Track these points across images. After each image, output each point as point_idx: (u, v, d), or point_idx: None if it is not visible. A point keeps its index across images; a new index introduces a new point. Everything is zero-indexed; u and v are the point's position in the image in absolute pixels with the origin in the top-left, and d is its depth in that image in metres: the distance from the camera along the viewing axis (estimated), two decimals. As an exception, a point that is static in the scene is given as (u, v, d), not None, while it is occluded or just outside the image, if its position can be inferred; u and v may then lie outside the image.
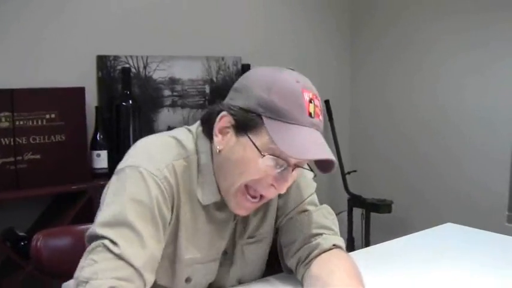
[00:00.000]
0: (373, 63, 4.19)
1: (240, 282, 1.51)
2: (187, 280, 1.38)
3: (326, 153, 1.25)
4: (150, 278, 1.23)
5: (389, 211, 3.68)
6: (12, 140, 2.61)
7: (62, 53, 2.94)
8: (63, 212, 2.77)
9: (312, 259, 1.42)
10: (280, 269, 1.55)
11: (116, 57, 3.08)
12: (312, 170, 1.37)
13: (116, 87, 3.07)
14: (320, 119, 1.28)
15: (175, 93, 3.29)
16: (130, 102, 2.98)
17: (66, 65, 2.95)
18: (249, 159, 1.25)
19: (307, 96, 1.25)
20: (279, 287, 1.49)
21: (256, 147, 1.24)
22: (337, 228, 1.50)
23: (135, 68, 3.13)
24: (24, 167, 2.65)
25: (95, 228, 1.22)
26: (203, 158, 1.33)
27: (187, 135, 1.37)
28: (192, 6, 3.39)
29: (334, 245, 1.44)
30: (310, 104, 1.25)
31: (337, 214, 1.55)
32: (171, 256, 1.34)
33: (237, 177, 1.27)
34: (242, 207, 1.33)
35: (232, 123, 1.28)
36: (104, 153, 2.87)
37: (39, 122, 2.68)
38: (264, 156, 1.23)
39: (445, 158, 3.77)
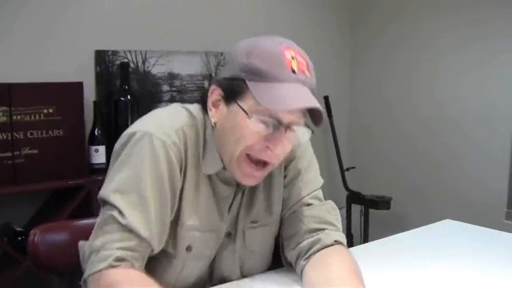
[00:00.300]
0: (372, 60, 4.18)
1: (243, 273, 1.50)
2: (188, 249, 1.38)
3: (309, 102, 1.25)
4: (157, 246, 1.29)
5: (388, 208, 3.68)
6: (9, 134, 2.60)
7: (60, 47, 2.94)
8: (60, 207, 2.76)
9: (312, 254, 1.41)
10: (282, 263, 1.55)
11: (114, 52, 3.07)
12: (309, 127, 1.35)
13: (114, 82, 3.06)
14: (307, 74, 1.29)
15: (174, 89, 3.28)
16: (129, 97, 2.97)
17: (64, 60, 2.94)
18: (240, 125, 1.27)
19: (288, 54, 1.27)
20: (278, 281, 1.48)
21: (244, 111, 1.26)
22: (340, 225, 1.50)
23: (133, 63, 3.12)
24: (21, 162, 2.64)
25: (109, 193, 1.27)
26: (208, 130, 1.37)
27: (196, 107, 1.41)
28: (191, 1, 3.38)
29: (335, 241, 1.43)
30: (293, 61, 1.27)
31: None
32: (174, 220, 1.35)
33: (234, 146, 1.29)
34: (247, 175, 1.33)
35: (222, 95, 1.32)
36: (102, 149, 2.86)
37: (37, 117, 2.67)
38: (251, 117, 1.25)
39: (444, 155, 3.77)
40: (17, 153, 2.63)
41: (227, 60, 1.36)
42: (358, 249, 1.69)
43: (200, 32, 3.39)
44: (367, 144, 4.26)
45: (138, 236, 1.24)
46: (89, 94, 2.96)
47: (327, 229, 1.44)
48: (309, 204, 1.48)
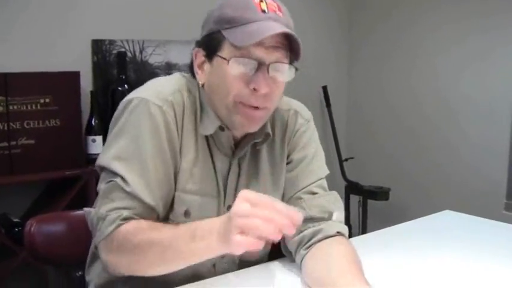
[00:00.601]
0: (370, 50, 4.16)
1: (242, 257, 1.46)
2: (186, 214, 1.38)
3: (280, 29, 1.27)
4: (162, 212, 1.34)
5: (387, 198, 3.68)
6: (6, 124, 2.59)
7: (57, 37, 2.92)
8: (57, 198, 2.75)
9: (313, 243, 1.41)
10: (280, 253, 1.53)
11: (111, 42, 3.05)
12: (293, 66, 1.35)
13: (111, 71, 3.04)
14: (277, 13, 1.32)
15: (171, 78, 3.25)
16: (126, 87, 2.95)
17: (61, 49, 2.92)
18: (224, 75, 1.30)
19: None
20: (277, 271, 1.47)
21: (223, 58, 1.30)
22: (343, 216, 1.49)
23: (131, 53, 3.10)
24: (18, 152, 2.62)
25: (109, 160, 1.31)
26: (203, 94, 1.40)
27: (191, 75, 1.44)
28: (188, -10, 3.35)
29: (338, 232, 1.43)
30: (262, 3, 1.30)
31: None
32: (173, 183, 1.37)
33: (224, 98, 1.32)
34: (247, 118, 1.33)
35: (204, 54, 1.36)
36: (99, 139, 2.84)
37: (34, 107, 2.65)
38: (229, 61, 1.28)
39: (443, 145, 3.76)
40: (13, 143, 2.61)
41: (203, 23, 1.39)
42: (357, 240, 1.67)
43: (198, 21, 3.33)
44: (366, 135, 4.24)
45: (143, 203, 1.28)
46: (86, 84, 2.94)
47: (330, 219, 1.44)
48: (313, 193, 1.48)
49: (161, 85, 1.39)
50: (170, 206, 1.37)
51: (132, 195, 1.28)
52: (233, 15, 1.29)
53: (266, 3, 1.31)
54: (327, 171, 1.56)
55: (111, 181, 1.30)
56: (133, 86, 2.92)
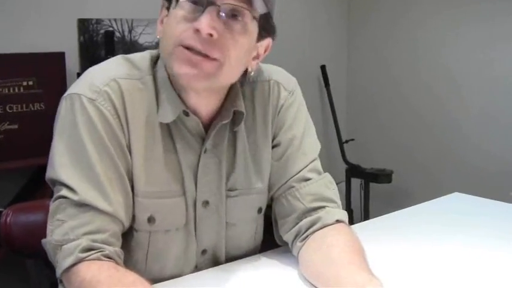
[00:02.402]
0: (371, 24, 4.11)
1: (227, 250, 1.37)
2: (150, 220, 1.24)
3: None
4: (126, 218, 1.19)
5: (389, 181, 3.63)
6: (-13, 109, 2.54)
7: (41, 16, 2.87)
8: (44, 185, 2.64)
9: (311, 233, 1.30)
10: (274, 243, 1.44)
11: (98, 21, 3.01)
12: (242, 7, 1.18)
13: (98, 52, 3.00)
14: None
15: (162, 59, 3.19)
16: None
17: (45, 29, 2.87)
18: (171, 19, 1.19)
19: None
20: (272, 264, 1.37)
21: (169, 1, 1.21)
22: (339, 200, 1.38)
23: (119, 32, 3.05)
24: (0, 138, 2.57)
25: (53, 170, 1.18)
26: (159, 73, 1.24)
27: (143, 56, 1.28)
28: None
29: (337, 220, 1.31)
30: None
31: None
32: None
33: (167, 43, 1.18)
34: (187, 63, 1.15)
35: (166, 6, 1.22)
36: (86, 123, 2.75)
37: (16, 90, 2.61)
38: (176, 2, 1.17)
39: (449, 124, 3.72)
40: (-5, 128, 2.57)
41: None
42: (359, 227, 1.57)
43: (190, -2, 3.28)
44: (367, 115, 4.21)
45: (99, 212, 1.13)
46: (72, 65, 2.89)
47: (328, 206, 1.32)
48: (306, 179, 1.34)
49: (94, 75, 1.22)
50: (131, 210, 1.23)
51: (83, 207, 1.12)
52: None
53: None
54: (318, 147, 1.42)
55: (57, 197, 1.15)
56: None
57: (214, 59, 1.15)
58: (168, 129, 1.23)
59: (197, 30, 1.12)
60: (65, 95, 1.20)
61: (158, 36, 1.22)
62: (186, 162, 1.25)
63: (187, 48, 1.14)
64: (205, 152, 1.26)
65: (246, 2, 1.15)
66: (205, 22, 1.12)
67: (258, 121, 1.34)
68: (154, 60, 1.27)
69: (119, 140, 1.18)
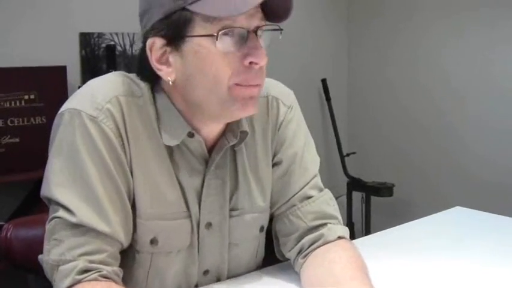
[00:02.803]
0: (371, 40, 4.11)
1: (229, 270, 1.35)
2: (153, 242, 1.20)
3: None
4: (125, 238, 1.14)
5: (391, 194, 3.62)
6: (-12, 122, 2.54)
7: (43, 29, 2.87)
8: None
9: (313, 250, 1.29)
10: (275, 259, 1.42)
11: (100, 35, 3.01)
12: (280, 29, 1.16)
13: (100, 66, 3.00)
14: None
15: (163, 73, 3.19)
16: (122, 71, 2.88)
17: (47, 43, 2.87)
18: (209, 57, 1.08)
19: None
20: (273, 281, 1.36)
21: (206, 36, 1.07)
22: (340, 216, 1.37)
23: (120, 46, 3.06)
24: (1, 151, 2.58)
25: (49, 188, 1.13)
26: (160, 100, 1.18)
27: (137, 76, 1.21)
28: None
29: (339, 236, 1.30)
30: None
31: (336, 198, 1.43)
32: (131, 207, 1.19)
33: (216, 85, 1.10)
34: (248, 98, 1.12)
35: (164, 43, 1.10)
36: (87, 136, 2.76)
37: (18, 104, 2.60)
38: (217, 36, 1.06)
39: (450, 137, 3.70)
40: (-4, 142, 2.56)
41: (144, 7, 1.13)
42: (361, 242, 1.57)
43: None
44: (368, 128, 4.20)
45: (96, 233, 1.08)
46: (74, 79, 2.88)
47: (329, 223, 1.31)
48: (308, 197, 1.33)
49: (96, 90, 1.16)
50: (133, 233, 1.19)
51: (80, 227, 1.08)
52: None
53: None
54: (318, 162, 1.39)
55: (53, 217, 1.11)
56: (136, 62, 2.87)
57: (261, 84, 1.14)
58: (170, 150, 1.19)
59: (250, 64, 1.09)
60: (63, 109, 1.15)
61: (170, 80, 1.12)
62: (189, 184, 1.22)
63: (242, 85, 1.11)
64: (209, 173, 1.23)
65: (263, 18, 1.12)
66: (260, 53, 1.09)
67: (258, 138, 1.31)
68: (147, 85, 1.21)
69: (121, 159, 1.14)
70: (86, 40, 2.96)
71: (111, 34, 3.01)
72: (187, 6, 1.06)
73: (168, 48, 1.10)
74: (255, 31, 1.09)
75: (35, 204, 2.68)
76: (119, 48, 3.01)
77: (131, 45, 3.06)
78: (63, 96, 2.61)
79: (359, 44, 4.19)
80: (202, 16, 1.05)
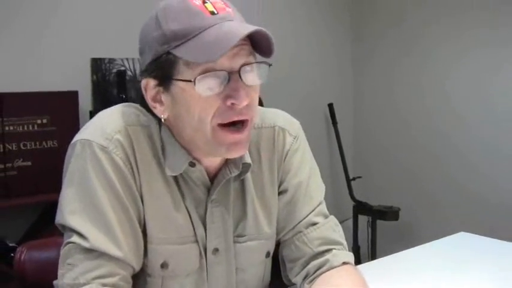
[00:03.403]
0: (376, 63, 4.13)
1: None
2: (164, 265, 1.24)
3: (245, 30, 1.09)
4: (136, 263, 1.18)
5: (397, 218, 3.62)
6: (1, 146, 2.56)
7: (55, 55, 2.90)
8: (54, 222, 2.67)
9: (318, 275, 1.31)
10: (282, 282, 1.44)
11: (111, 60, 3.02)
12: (268, 64, 1.18)
13: (110, 91, 3.01)
14: (227, 10, 1.14)
15: (171, 98, 3.21)
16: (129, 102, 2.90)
17: (59, 68, 2.90)
18: (192, 99, 1.12)
19: (197, 1, 1.13)
20: None
21: (185, 80, 1.11)
22: (345, 241, 1.39)
23: (131, 71, 3.06)
24: (14, 174, 2.60)
25: (63, 215, 1.17)
26: (163, 129, 1.22)
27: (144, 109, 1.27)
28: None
29: (343, 262, 1.33)
30: (206, 4, 1.13)
31: (342, 222, 1.45)
32: (142, 232, 1.22)
33: (200, 125, 1.14)
34: (231, 144, 1.16)
35: (156, 83, 1.15)
36: (98, 160, 2.78)
37: (30, 128, 2.64)
38: (196, 82, 1.10)
39: (456, 162, 3.70)
40: (9, 165, 2.59)
41: (141, 50, 1.20)
42: (366, 267, 1.59)
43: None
44: (374, 153, 4.21)
45: (109, 257, 1.12)
46: (85, 103, 2.91)
47: (334, 249, 1.34)
48: (313, 224, 1.36)
49: (105, 121, 1.21)
50: (144, 257, 1.23)
51: (93, 252, 1.12)
52: (179, 28, 1.11)
53: (210, 2, 1.13)
54: (324, 190, 1.42)
55: (67, 243, 1.15)
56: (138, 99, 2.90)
57: (247, 120, 1.16)
58: (175, 178, 1.23)
59: (233, 104, 1.12)
60: (75, 140, 1.19)
61: (163, 117, 1.18)
62: (194, 211, 1.26)
63: (227, 125, 1.14)
64: (211, 201, 1.27)
65: (252, 53, 1.15)
66: (241, 94, 1.12)
67: (264, 167, 1.35)
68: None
69: (131, 186, 1.18)
70: (97, 65, 2.97)
71: (121, 60, 3.02)
72: (171, 51, 1.11)
73: (160, 88, 1.16)
74: (239, 70, 1.12)
75: (45, 227, 2.69)
76: (129, 73, 3.02)
77: (141, 71, 3.09)
78: (75, 121, 2.69)
79: (364, 69, 4.20)
80: (184, 60, 1.10)
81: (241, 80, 1.12)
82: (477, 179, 3.58)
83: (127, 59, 3.04)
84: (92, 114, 2.85)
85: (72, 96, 2.76)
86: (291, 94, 3.64)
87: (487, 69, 3.50)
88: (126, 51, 3.03)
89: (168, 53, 1.11)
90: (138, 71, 3.07)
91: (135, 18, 3.03)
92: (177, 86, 1.13)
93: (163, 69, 1.13)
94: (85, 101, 2.90)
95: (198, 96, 1.11)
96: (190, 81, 1.10)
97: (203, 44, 1.08)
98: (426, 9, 3.79)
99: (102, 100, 2.97)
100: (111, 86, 3.00)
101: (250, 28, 1.09)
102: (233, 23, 1.12)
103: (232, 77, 1.11)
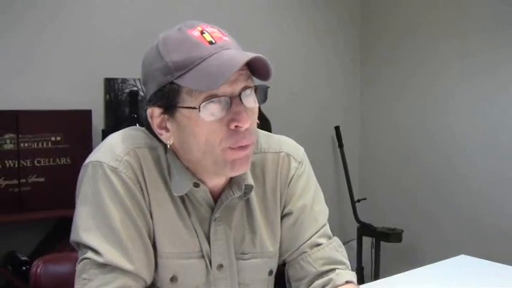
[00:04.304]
0: (382, 89, 4.17)
1: None
2: (173, 279, 1.29)
3: (245, 58, 1.15)
4: (148, 276, 1.24)
5: (400, 240, 3.63)
6: (16, 162, 2.59)
7: (70, 75, 2.94)
8: (66, 237, 2.68)
9: None
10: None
11: (123, 80, 3.07)
12: (264, 85, 1.23)
13: (123, 110, 3.05)
14: (225, 39, 1.20)
15: (183, 118, 3.25)
16: (138, 126, 2.93)
17: (73, 87, 2.94)
18: (197, 126, 1.18)
19: (195, 32, 1.19)
20: None
21: (190, 108, 1.17)
22: (348, 261, 1.44)
23: (143, 92, 3.06)
24: (27, 189, 2.63)
25: (78, 233, 1.22)
26: (168, 152, 1.27)
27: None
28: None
29: (347, 281, 1.37)
30: (204, 35, 1.18)
31: (346, 243, 1.50)
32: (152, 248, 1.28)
33: (209, 150, 1.20)
34: (236, 162, 1.22)
35: (161, 111, 1.21)
36: (109, 177, 2.82)
37: (44, 145, 2.67)
38: (200, 109, 1.15)
39: (458, 186, 3.71)
40: (23, 181, 2.62)
41: (144, 80, 1.26)
42: (370, 287, 1.63)
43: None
44: (379, 175, 4.21)
45: (122, 271, 1.18)
46: (98, 122, 2.95)
47: (338, 269, 1.39)
48: (317, 245, 1.41)
49: (115, 144, 1.27)
50: (154, 272, 1.28)
51: (107, 267, 1.17)
52: (180, 58, 1.16)
53: (209, 33, 1.19)
54: (327, 212, 1.46)
55: (83, 259, 1.20)
56: (145, 126, 2.94)
57: (252, 142, 1.23)
58: (181, 197, 1.28)
59: (236, 127, 1.17)
60: (87, 162, 1.25)
61: (169, 143, 1.23)
62: (200, 228, 1.31)
63: (233, 147, 1.19)
64: (214, 220, 1.31)
65: (249, 76, 1.20)
66: (244, 117, 1.17)
67: (268, 189, 1.39)
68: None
69: (140, 204, 1.23)
70: (110, 85, 3.02)
71: (134, 80, 3.07)
72: (174, 80, 1.16)
73: (166, 116, 1.21)
74: (240, 94, 1.18)
75: (57, 242, 2.73)
76: (141, 93, 3.05)
77: (153, 91, 3.13)
78: (88, 139, 2.74)
79: (371, 94, 4.23)
80: (188, 89, 1.16)
81: (242, 103, 1.18)
82: (478, 203, 3.60)
83: (139, 80, 3.05)
84: (104, 132, 2.91)
85: (85, 115, 2.80)
86: (298, 116, 3.68)
87: (491, 95, 3.53)
88: (138, 71, 3.06)
89: (172, 82, 1.16)
90: (149, 92, 3.12)
91: (147, 40, 3.11)
92: (182, 114, 1.18)
93: (167, 98, 1.18)
94: (98, 120, 2.95)
95: (203, 121, 1.17)
96: (194, 108, 1.16)
97: (205, 73, 1.14)
98: (432, 34, 3.83)
99: (115, 119, 3.02)
100: (124, 105, 3.04)
101: (249, 55, 1.15)
102: (232, 51, 1.18)
103: (234, 101, 1.17)
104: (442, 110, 3.79)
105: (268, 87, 1.23)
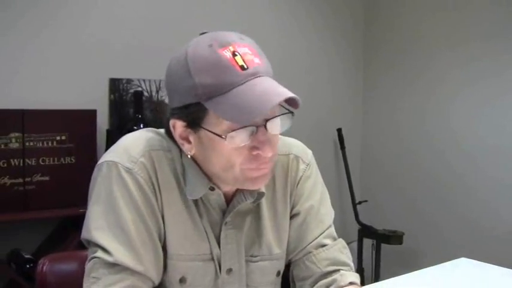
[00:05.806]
0: (385, 92, 4.18)
1: None
2: (182, 280, 1.31)
3: (277, 97, 1.13)
4: (156, 277, 1.25)
5: (401, 242, 3.64)
6: (21, 161, 2.61)
7: (75, 75, 2.95)
8: (70, 235, 2.73)
9: None
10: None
11: (128, 81, 3.08)
12: (291, 112, 1.24)
13: (127, 110, 3.06)
14: (257, 62, 1.17)
15: (187, 118, 3.26)
16: (142, 126, 2.95)
17: (78, 87, 2.96)
18: (221, 150, 1.18)
19: (227, 53, 1.15)
20: None
21: (215, 134, 1.16)
22: (352, 263, 1.46)
23: (147, 92, 3.12)
24: (32, 188, 2.65)
25: (89, 231, 1.23)
26: (184, 156, 1.28)
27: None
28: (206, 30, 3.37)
29: (350, 282, 1.39)
30: (236, 57, 1.15)
31: (347, 244, 1.51)
32: (162, 248, 1.29)
33: (228, 169, 1.21)
34: (257, 178, 1.24)
35: (185, 125, 1.21)
36: (113, 177, 2.84)
37: (49, 144, 2.68)
38: (226, 138, 1.15)
39: (459, 189, 3.72)
40: (28, 179, 2.63)
41: (168, 90, 1.24)
42: (371, 288, 1.64)
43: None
44: (380, 178, 4.23)
45: (131, 272, 1.20)
46: (102, 122, 2.96)
47: (342, 270, 1.41)
48: (323, 245, 1.43)
49: (130, 145, 1.28)
50: (164, 273, 1.30)
51: (116, 266, 1.19)
52: (210, 82, 1.13)
53: (240, 55, 1.15)
54: (333, 214, 1.49)
55: (92, 257, 1.21)
56: (149, 126, 2.94)
57: (272, 161, 1.24)
58: (194, 200, 1.29)
59: (259, 154, 1.19)
60: (102, 161, 1.27)
61: (190, 154, 1.24)
62: (211, 231, 1.33)
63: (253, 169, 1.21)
64: (225, 224, 1.33)
65: (289, 105, 1.20)
66: (267, 147, 1.18)
67: (278, 192, 1.42)
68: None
69: (152, 205, 1.25)
70: (115, 85, 3.03)
71: (138, 80, 3.09)
72: (202, 102, 1.14)
73: (188, 130, 1.21)
74: (265, 123, 1.18)
75: (61, 240, 2.76)
76: (145, 94, 3.08)
77: (157, 91, 3.14)
78: (92, 138, 2.76)
79: (374, 96, 4.24)
80: (214, 113, 1.15)
81: (267, 131, 1.19)
82: (479, 206, 3.60)
83: (144, 80, 3.11)
84: (109, 132, 2.93)
85: (90, 115, 2.82)
86: (301, 118, 3.63)
87: (492, 100, 3.54)
88: (143, 72, 3.12)
89: (199, 103, 1.15)
90: (154, 92, 3.13)
91: (152, 41, 3.14)
92: (206, 134, 1.18)
93: (192, 116, 1.18)
94: (103, 120, 2.96)
95: (226, 148, 1.17)
96: (219, 136, 1.15)
97: (236, 103, 1.12)
98: (434, 38, 3.84)
99: (119, 119, 3.03)
100: (128, 105, 3.05)
101: (281, 95, 1.14)
102: (263, 82, 1.16)
103: (259, 129, 1.17)
104: (444, 114, 3.80)
105: (293, 114, 1.24)
